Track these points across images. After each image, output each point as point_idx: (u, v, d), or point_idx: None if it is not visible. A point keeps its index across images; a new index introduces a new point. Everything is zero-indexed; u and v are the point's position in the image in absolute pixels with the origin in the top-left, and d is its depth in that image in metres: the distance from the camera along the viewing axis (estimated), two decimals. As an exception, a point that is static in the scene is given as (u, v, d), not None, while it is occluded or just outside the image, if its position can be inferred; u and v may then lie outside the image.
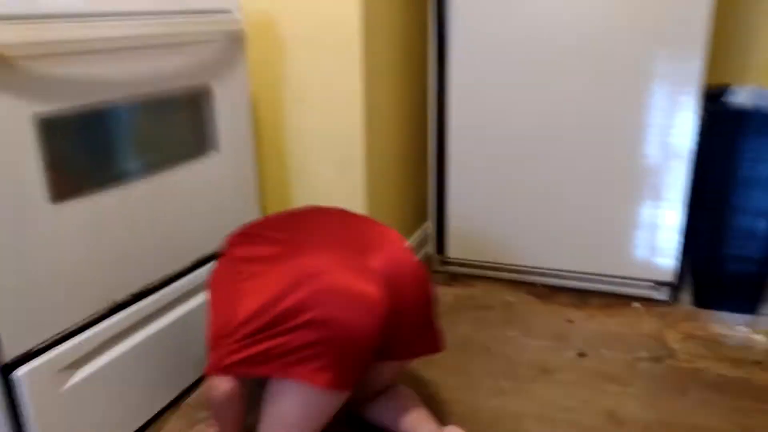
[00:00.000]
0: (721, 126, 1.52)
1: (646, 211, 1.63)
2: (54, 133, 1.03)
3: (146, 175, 1.22)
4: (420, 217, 2.07)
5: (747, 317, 1.62)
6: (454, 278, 1.90)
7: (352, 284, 0.97)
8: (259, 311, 0.96)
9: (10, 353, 0.99)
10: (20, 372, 1.00)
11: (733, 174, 1.53)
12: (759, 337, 1.53)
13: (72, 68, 1.04)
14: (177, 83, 1.26)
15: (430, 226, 1.91)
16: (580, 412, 1.27)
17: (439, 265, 1.93)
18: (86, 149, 1.12)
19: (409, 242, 1.99)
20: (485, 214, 1.80)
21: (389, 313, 0.99)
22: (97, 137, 1.14)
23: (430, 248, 1.93)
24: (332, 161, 1.67)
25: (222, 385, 1.00)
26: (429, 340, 1.11)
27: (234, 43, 1.39)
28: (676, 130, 1.55)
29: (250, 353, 0.96)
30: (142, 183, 1.20)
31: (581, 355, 1.48)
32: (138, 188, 1.20)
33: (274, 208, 1.78)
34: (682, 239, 1.63)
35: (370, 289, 0.97)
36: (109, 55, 1.10)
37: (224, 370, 0.98)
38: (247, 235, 1.16)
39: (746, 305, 1.64)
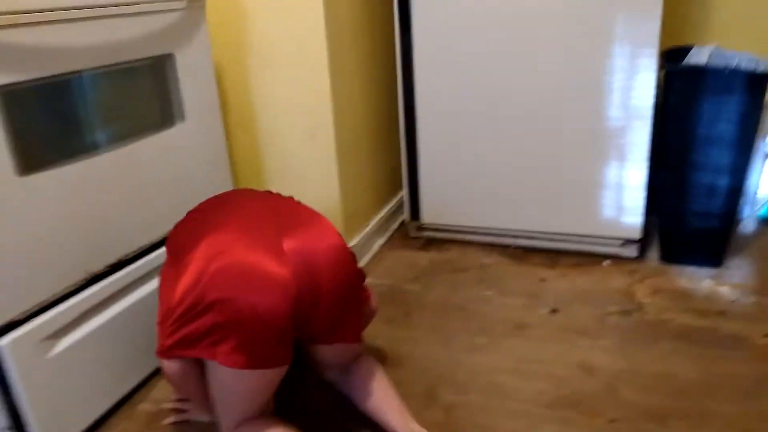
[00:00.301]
0: (681, 85, 1.55)
1: (612, 171, 1.68)
2: (17, 104, 1.03)
3: (114, 146, 1.22)
4: (394, 186, 2.09)
5: (712, 271, 1.68)
6: (429, 243, 1.94)
7: (258, 263, 0.96)
8: (184, 295, 0.97)
9: (-8, 324, 1.00)
10: (3, 341, 1.01)
11: (693, 132, 1.58)
12: (723, 289, 1.59)
13: (32, 38, 1.03)
14: (138, 52, 1.26)
15: (403, 194, 1.93)
16: (552, 365, 1.32)
17: (415, 231, 1.96)
18: (51, 120, 1.12)
19: (381, 214, 2.01)
20: (457, 180, 1.83)
21: (301, 294, 0.98)
22: (62, 108, 1.14)
23: (405, 215, 1.96)
24: (302, 129, 1.67)
25: (170, 366, 1.04)
26: (349, 328, 1.09)
27: (194, 9, 1.38)
28: (637, 91, 1.58)
29: (180, 337, 0.98)
30: (110, 154, 1.21)
31: (554, 311, 1.53)
32: (106, 159, 1.20)
33: (246, 177, 1.79)
34: (647, 197, 1.68)
35: (278, 269, 0.96)
36: (69, 25, 1.09)
37: (165, 353, 1.01)
38: (183, 220, 1.18)
39: (711, 259, 1.70)
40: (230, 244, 1.00)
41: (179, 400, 1.24)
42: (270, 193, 1.25)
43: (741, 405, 1.18)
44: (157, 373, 1.35)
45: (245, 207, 1.13)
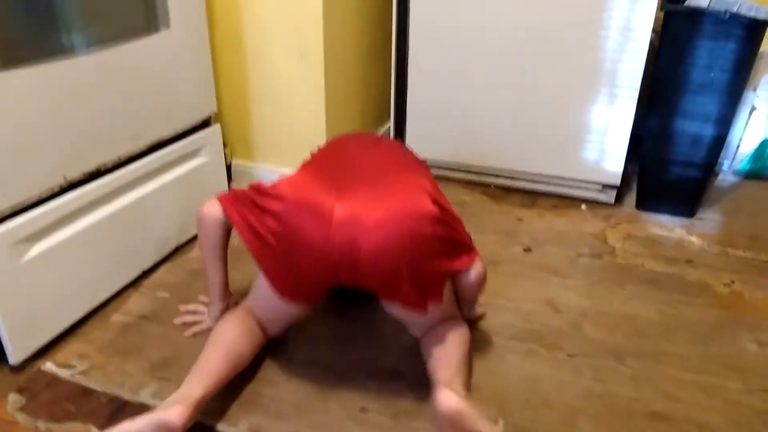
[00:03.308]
0: (678, 27, 1.53)
1: (599, 115, 1.67)
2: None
3: (96, 48, 1.18)
4: (381, 115, 2.06)
5: (684, 220, 1.72)
6: (411, 176, 1.93)
7: (321, 201, 0.99)
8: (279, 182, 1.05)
9: (-37, 223, 0.99)
10: (-26, 242, 1.00)
11: (685, 78, 1.57)
12: (693, 239, 1.63)
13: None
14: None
15: (390, 125, 1.91)
16: (522, 301, 1.36)
17: (398, 163, 1.96)
18: (31, 15, 1.08)
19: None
20: (444, 114, 1.81)
21: (340, 263, 0.99)
22: (42, 3, 1.09)
23: (390, 146, 1.95)
24: (291, 49, 1.63)
25: (213, 208, 1.10)
26: (409, 295, 1.03)
27: None
28: (633, 32, 1.55)
29: (245, 205, 1.05)
30: (91, 56, 1.17)
31: (527, 250, 1.56)
32: (87, 61, 1.16)
33: (229, 94, 1.75)
34: (630, 144, 1.69)
35: (335, 209, 0.98)
36: None
37: (227, 198, 1.09)
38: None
39: (685, 209, 1.73)
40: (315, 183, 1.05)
41: (189, 312, 1.27)
42: (379, 139, 1.30)
43: (697, 348, 1.23)
44: (131, 285, 1.37)
45: (365, 156, 1.16)
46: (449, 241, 1.04)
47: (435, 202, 1.02)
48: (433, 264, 1.02)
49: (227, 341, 1.06)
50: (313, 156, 1.21)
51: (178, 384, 0.97)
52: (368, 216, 0.97)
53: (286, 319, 1.14)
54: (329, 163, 1.14)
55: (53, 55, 1.10)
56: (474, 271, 1.10)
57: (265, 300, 1.10)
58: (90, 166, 1.21)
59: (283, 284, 1.06)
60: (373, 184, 1.04)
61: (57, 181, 1.14)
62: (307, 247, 0.99)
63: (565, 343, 1.23)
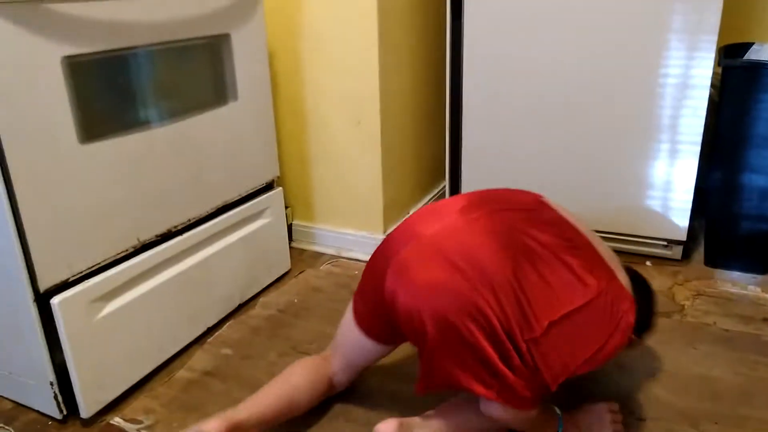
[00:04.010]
0: (738, 82, 1.51)
1: (659, 170, 1.64)
2: (83, 75, 1.09)
3: (169, 120, 1.27)
4: (437, 176, 2.10)
5: (758, 277, 1.64)
6: (469, 235, 1.93)
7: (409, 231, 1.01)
8: None
9: (46, 282, 1.06)
10: (56, 300, 1.07)
11: (748, 132, 1.53)
12: (769, 296, 1.55)
13: (98, 12, 1.08)
14: (197, 30, 1.31)
15: (446, 184, 1.94)
16: (586, 360, 1.31)
17: (455, 222, 1.96)
18: (112, 93, 1.18)
19: (422, 203, 2.02)
20: (499, 173, 1.82)
21: (388, 288, 0.97)
22: (122, 82, 1.19)
23: (447, 206, 1.96)
24: (348, 115, 1.70)
25: None
26: (422, 373, 0.98)
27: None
28: (692, 88, 1.54)
29: None
30: (165, 128, 1.26)
31: (591, 308, 1.51)
32: (161, 133, 1.25)
33: (291, 158, 1.83)
34: (695, 198, 1.64)
35: (401, 250, 0.97)
36: (134, 2, 1.15)
37: None
38: None
39: (757, 265, 1.65)
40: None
41: None
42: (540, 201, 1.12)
43: (779, 413, 1.15)
44: (195, 341, 1.41)
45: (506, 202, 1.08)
46: (480, 356, 0.90)
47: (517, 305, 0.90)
48: (446, 361, 0.92)
49: (290, 382, 1.09)
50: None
51: (238, 440, 0.98)
52: (420, 272, 0.93)
53: (358, 356, 1.12)
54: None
55: (131, 129, 1.19)
56: (491, 408, 0.94)
57: (343, 333, 1.13)
58: (162, 229, 1.28)
59: (356, 306, 1.09)
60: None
61: (131, 243, 1.22)
62: (371, 272, 1.04)
63: (636, 406, 1.18)
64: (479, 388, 0.92)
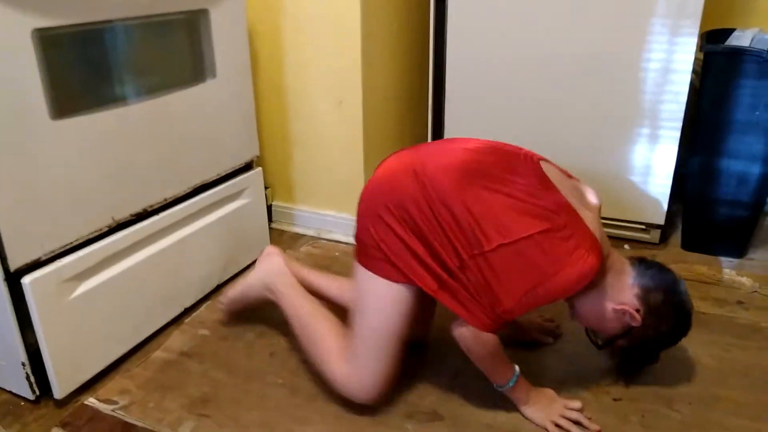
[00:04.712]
0: (719, 68, 1.52)
1: (640, 154, 1.65)
2: (54, 49, 1.05)
3: (145, 97, 1.24)
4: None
5: (734, 261, 1.66)
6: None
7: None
8: None
9: (17, 262, 1.04)
10: (27, 279, 1.04)
11: (728, 118, 1.54)
12: (744, 280, 1.57)
13: (73, -16, 1.05)
14: (174, 5, 1.27)
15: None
16: (565, 343, 1.32)
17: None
18: (85, 67, 1.15)
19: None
20: (483, 155, 1.82)
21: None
22: (96, 56, 1.16)
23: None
24: (330, 95, 1.68)
25: None
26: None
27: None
28: (673, 74, 1.54)
29: None
30: (140, 105, 1.23)
31: (569, 291, 1.52)
32: (137, 110, 1.22)
33: (271, 138, 1.81)
34: (674, 183, 1.65)
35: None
36: (110, -26, 1.11)
37: None
38: None
39: (734, 249, 1.67)
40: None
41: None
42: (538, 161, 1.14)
43: (752, 393, 1.17)
44: (172, 322, 1.39)
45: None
46: (407, 246, 1.02)
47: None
48: (389, 234, 1.03)
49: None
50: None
51: (216, 421, 0.98)
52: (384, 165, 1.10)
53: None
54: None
55: (105, 105, 1.16)
56: (459, 330, 1.03)
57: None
58: (137, 208, 1.26)
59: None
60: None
61: (106, 222, 1.19)
62: None
63: (610, 386, 1.19)
64: (416, 277, 1.02)
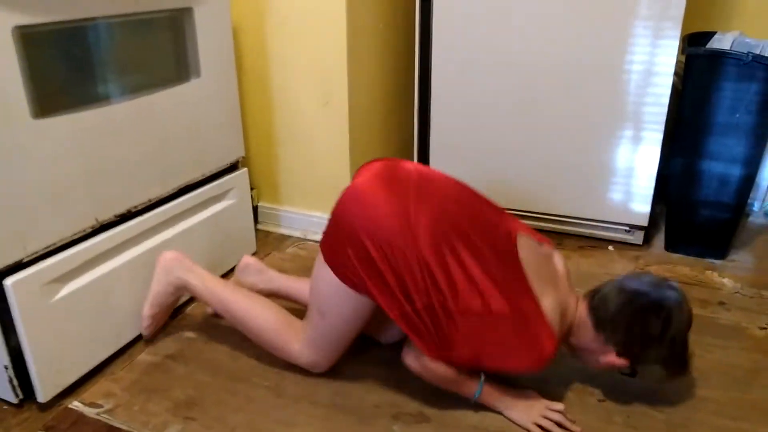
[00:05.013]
0: (701, 70, 1.53)
1: (623, 156, 1.67)
2: (36, 47, 1.04)
3: (128, 96, 1.23)
4: (405, 159, 2.08)
5: (716, 262, 1.68)
6: (435, 218, 1.94)
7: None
8: None
9: (-1, 263, 1.02)
10: (9, 281, 1.03)
11: (710, 120, 1.56)
12: (726, 281, 1.59)
13: (56, -19, 1.03)
14: (157, 3, 1.26)
15: (414, 167, 1.93)
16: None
17: (422, 205, 1.96)
18: (68, 66, 1.13)
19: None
20: (466, 158, 1.82)
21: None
22: (79, 55, 1.14)
23: (414, 189, 1.96)
24: (316, 95, 1.67)
25: None
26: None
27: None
28: (655, 76, 1.56)
29: None
30: (124, 104, 1.22)
31: (554, 291, 1.53)
32: (120, 109, 1.21)
33: (257, 139, 1.80)
34: (657, 184, 1.67)
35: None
36: (93, -29, 1.10)
37: None
38: None
39: (716, 250, 1.69)
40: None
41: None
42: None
43: (733, 393, 1.18)
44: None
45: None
46: (378, 272, 1.02)
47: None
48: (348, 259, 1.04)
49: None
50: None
51: (202, 423, 0.97)
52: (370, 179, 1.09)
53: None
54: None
55: (88, 104, 1.14)
56: (408, 358, 1.10)
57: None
58: (121, 209, 1.24)
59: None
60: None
61: (89, 223, 1.18)
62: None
63: (595, 388, 1.20)
64: (381, 300, 1.03)
